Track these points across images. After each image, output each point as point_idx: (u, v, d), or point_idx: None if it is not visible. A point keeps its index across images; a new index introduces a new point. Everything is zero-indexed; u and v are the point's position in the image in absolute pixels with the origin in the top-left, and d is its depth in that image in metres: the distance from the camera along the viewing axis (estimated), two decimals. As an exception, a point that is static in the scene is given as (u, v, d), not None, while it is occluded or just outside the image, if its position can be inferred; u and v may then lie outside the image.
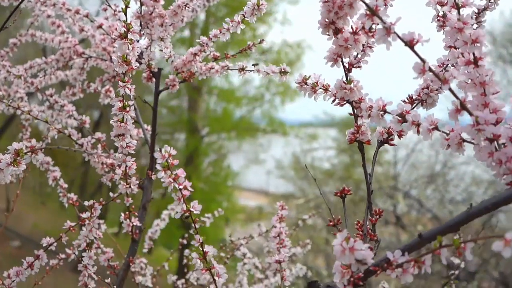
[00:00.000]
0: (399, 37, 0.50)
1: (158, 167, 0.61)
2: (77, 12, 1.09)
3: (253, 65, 0.97)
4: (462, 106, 0.51)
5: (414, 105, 0.68)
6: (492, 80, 0.53)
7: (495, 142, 0.51)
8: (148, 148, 1.04)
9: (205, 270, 0.64)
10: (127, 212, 0.95)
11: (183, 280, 1.40)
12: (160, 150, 0.60)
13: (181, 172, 0.62)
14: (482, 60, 0.53)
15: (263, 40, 0.99)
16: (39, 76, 1.21)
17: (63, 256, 1.12)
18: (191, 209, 0.63)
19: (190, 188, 0.62)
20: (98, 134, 1.05)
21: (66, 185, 1.09)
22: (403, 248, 0.52)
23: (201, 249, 0.64)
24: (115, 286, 0.93)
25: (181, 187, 0.62)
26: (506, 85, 8.91)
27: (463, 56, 0.55)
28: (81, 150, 1.01)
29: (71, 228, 0.92)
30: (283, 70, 0.83)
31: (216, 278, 0.64)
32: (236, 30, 0.87)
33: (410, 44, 0.50)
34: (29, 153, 0.65)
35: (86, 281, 0.94)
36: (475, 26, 0.72)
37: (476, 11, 0.72)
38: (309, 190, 8.63)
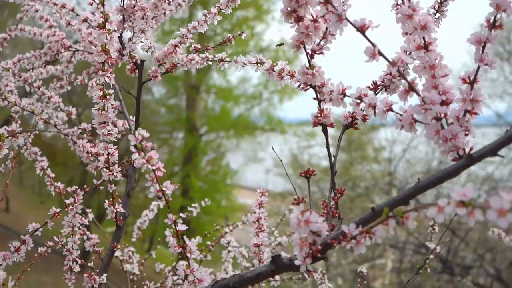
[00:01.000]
0: (350, 23, 0.53)
1: (132, 148, 0.64)
2: (63, 6, 1.13)
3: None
4: (410, 87, 0.55)
5: (378, 90, 0.71)
6: (441, 63, 0.57)
7: (442, 121, 0.55)
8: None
9: (177, 247, 0.67)
10: (111, 199, 0.99)
11: (169, 268, 1.44)
12: (134, 133, 0.63)
13: (154, 154, 0.66)
14: (432, 44, 0.57)
15: (242, 32, 1.02)
16: (29, 70, 1.24)
17: (51, 243, 1.16)
18: (164, 189, 0.66)
19: (162, 169, 0.66)
20: (84, 125, 1.09)
21: (53, 174, 1.13)
22: (356, 222, 0.55)
23: (174, 227, 0.68)
24: (98, 270, 0.96)
25: (154, 168, 0.65)
26: (503, 82, 8.92)
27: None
28: (68, 139, 1.04)
29: (56, 214, 0.95)
30: (259, 61, 0.87)
31: (188, 255, 0.67)
32: (213, 21, 0.91)
33: (361, 29, 0.54)
34: (10, 137, 0.68)
35: (71, 265, 0.97)
36: (437, 15, 0.75)
37: (439, 0, 0.75)
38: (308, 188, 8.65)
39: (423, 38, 0.56)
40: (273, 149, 1.00)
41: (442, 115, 0.54)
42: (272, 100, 11.95)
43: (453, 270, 5.81)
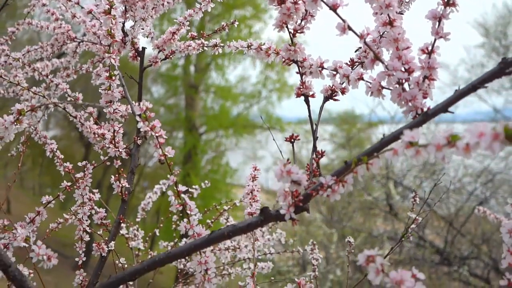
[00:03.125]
0: (324, 2, 0.63)
1: (137, 118, 0.73)
2: (69, 0, 1.22)
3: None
4: (376, 57, 0.64)
5: (354, 66, 0.80)
6: (404, 37, 0.66)
7: (404, 86, 0.64)
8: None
9: (179, 205, 0.76)
10: (116, 175, 1.08)
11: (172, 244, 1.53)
12: (139, 104, 0.72)
13: (157, 123, 0.75)
14: (396, 21, 0.66)
15: (235, 21, 1.11)
16: (37, 61, 1.33)
17: (61, 220, 1.25)
18: (166, 153, 0.75)
19: (164, 136, 0.75)
20: (90, 109, 1.17)
21: (62, 156, 1.21)
22: (332, 174, 0.64)
23: (175, 188, 0.77)
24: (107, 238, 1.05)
25: (157, 134, 0.74)
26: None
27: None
28: (76, 121, 1.13)
29: (67, 188, 1.04)
30: (249, 45, 0.95)
31: (189, 212, 0.76)
32: (207, 8, 1.00)
33: (333, 7, 0.63)
34: (29, 112, 0.77)
35: (81, 235, 1.06)
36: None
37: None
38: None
39: (388, 15, 0.65)
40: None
41: (404, 80, 0.63)
42: (270, 98, 12.04)
43: (450, 261, 5.91)
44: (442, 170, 6.88)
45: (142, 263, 0.70)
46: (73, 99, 1.20)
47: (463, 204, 6.77)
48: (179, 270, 1.45)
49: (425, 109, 0.62)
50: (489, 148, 0.41)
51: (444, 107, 0.59)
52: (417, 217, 1.22)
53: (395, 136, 0.62)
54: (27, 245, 0.75)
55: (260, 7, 11.17)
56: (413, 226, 1.22)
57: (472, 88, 0.58)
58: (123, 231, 1.40)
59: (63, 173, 1.19)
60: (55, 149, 1.24)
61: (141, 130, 0.73)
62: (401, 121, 7.88)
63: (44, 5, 1.31)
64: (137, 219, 1.52)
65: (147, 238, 1.48)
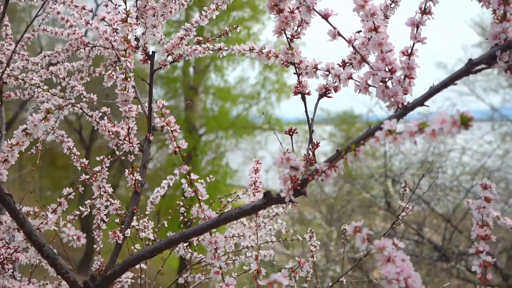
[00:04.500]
0: (317, 12, 0.72)
1: (154, 114, 0.83)
2: (83, 8, 1.31)
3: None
4: (362, 59, 0.74)
5: (345, 66, 0.90)
6: (387, 41, 0.76)
7: (388, 83, 0.73)
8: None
9: (192, 192, 0.86)
10: (130, 169, 1.17)
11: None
12: (156, 101, 0.82)
13: (172, 119, 0.84)
14: (380, 27, 0.76)
15: (237, 26, 1.21)
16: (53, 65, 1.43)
17: (77, 212, 1.34)
18: (180, 145, 0.85)
19: (178, 130, 0.85)
20: (104, 108, 1.27)
21: (78, 153, 1.31)
22: (325, 161, 0.74)
23: (188, 177, 0.87)
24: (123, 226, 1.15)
25: (172, 129, 0.84)
26: (497, 75, 9.11)
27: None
28: (92, 120, 1.23)
29: (86, 180, 1.14)
30: (251, 48, 1.05)
31: (200, 197, 0.86)
32: (212, 15, 1.10)
33: (325, 16, 0.73)
34: (57, 110, 0.86)
35: (99, 223, 1.16)
36: (392, 5, 0.94)
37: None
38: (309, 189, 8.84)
39: (373, 22, 0.75)
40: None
41: (387, 78, 0.73)
42: (269, 99, 12.14)
43: (448, 257, 6.00)
44: (439, 168, 6.98)
45: (160, 241, 0.80)
46: (88, 100, 1.30)
47: (461, 202, 6.86)
48: (187, 260, 1.55)
49: (405, 104, 0.72)
50: (449, 132, 0.51)
51: (420, 102, 0.69)
52: (407, 206, 1.32)
53: (378, 127, 0.71)
54: (57, 228, 0.85)
55: (258, 9, 11.27)
56: (403, 214, 1.32)
57: (444, 85, 0.68)
58: (134, 223, 1.50)
59: (79, 168, 1.29)
60: (71, 147, 1.34)
61: (158, 125, 0.83)
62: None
63: (58, 12, 1.41)
64: (146, 212, 1.62)
65: (156, 229, 1.58)
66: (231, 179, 11.78)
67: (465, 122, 0.50)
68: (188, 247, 1.63)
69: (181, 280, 1.63)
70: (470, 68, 0.66)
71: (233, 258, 1.48)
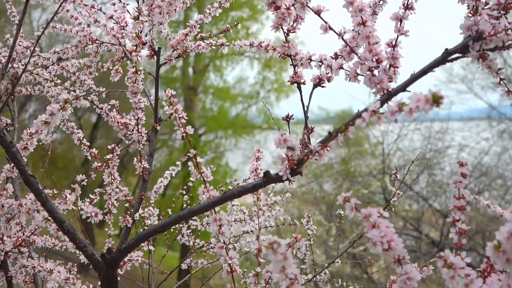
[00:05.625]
0: (310, 8, 0.81)
1: (163, 102, 0.91)
2: (92, 6, 1.40)
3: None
4: (351, 50, 0.82)
5: (338, 58, 0.98)
6: (374, 34, 0.84)
7: (374, 72, 0.82)
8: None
9: (198, 174, 0.94)
10: (139, 157, 1.26)
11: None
12: (165, 91, 0.90)
13: (179, 107, 0.93)
14: (367, 22, 0.84)
15: (238, 23, 1.29)
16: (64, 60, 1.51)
17: (88, 200, 1.42)
18: (187, 131, 0.93)
19: (185, 117, 0.93)
20: (113, 101, 1.35)
21: (88, 143, 1.39)
22: (319, 142, 0.82)
23: (195, 160, 0.95)
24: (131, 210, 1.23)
25: (180, 116, 0.92)
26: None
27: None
28: (102, 112, 1.31)
29: (98, 168, 1.22)
30: (251, 43, 1.13)
31: (205, 179, 0.94)
32: (216, 13, 1.18)
33: (318, 12, 0.81)
34: (74, 100, 0.94)
35: (110, 208, 1.24)
36: (381, 2, 1.02)
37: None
38: (307, 184, 8.94)
39: (361, 17, 0.83)
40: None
41: (374, 68, 0.81)
42: (269, 98, 12.22)
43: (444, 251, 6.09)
44: (436, 165, 7.08)
45: (170, 217, 0.88)
46: (97, 93, 1.38)
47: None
48: (190, 246, 1.63)
49: (390, 90, 0.81)
50: (423, 109, 0.59)
51: (402, 88, 0.77)
52: (397, 192, 1.40)
53: (365, 110, 0.80)
54: (75, 208, 0.93)
55: (257, 9, 11.35)
56: (394, 199, 1.40)
57: (423, 72, 0.76)
58: (139, 211, 1.58)
59: (90, 158, 1.37)
60: (81, 138, 1.42)
61: (167, 112, 0.91)
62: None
63: (68, 11, 1.49)
64: (151, 201, 1.70)
65: (161, 217, 1.66)
66: (231, 179, 11.83)
67: (436, 100, 0.58)
68: (191, 234, 1.72)
69: (184, 266, 1.72)
70: (446, 57, 0.74)
71: (234, 243, 1.56)
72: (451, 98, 8.99)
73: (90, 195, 1.42)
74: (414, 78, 0.76)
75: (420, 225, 6.99)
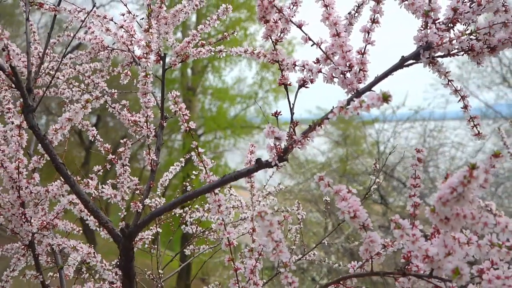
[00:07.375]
0: (292, 22, 0.98)
1: (169, 102, 1.08)
2: (104, 17, 1.57)
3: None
4: (327, 57, 0.99)
5: (319, 63, 1.15)
6: (347, 43, 1.01)
7: (346, 75, 0.99)
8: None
9: (199, 162, 1.11)
10: (147, 150, 1.43)
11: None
12: (171, 92, 1.07)
13: (183, 105, 1.10)
14: (341, 33, 1.01)
15: (234, 31, 1.47)
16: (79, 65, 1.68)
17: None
18: (190, 126, 1.10)
19: (188, 114, 1.10)
20: (124, 101, 1.52)
21: (102, 139, 1.56)
22: (301, 133, 0.99)
23: (197, 150, 1.12)
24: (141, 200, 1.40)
25: (183, 113, 1.09)
26: (491, 72, 9.39)
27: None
28: (114, 110, 1.48)
29: (112, 160, 1.39)
30: (246, 50, 1.30)
31: (205, 166, 1.11)
32: (215, 24, 1.35)
33: (299, 26, 0.98)
34: (94, 100, 1.11)
35: (123, 195, 1.41)
36: (356, 14, 1.19)
37: (357, 4, 1.19)
38: (306, 184, 9.10)
39: (336, 29, 1.00)
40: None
41: (346, 71, 0.98)
42: (267, 99, 12.39)
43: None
44: (431, 162, 7.25)
45: (177, 197, 1.05)
46: (110, 94, 1.55)
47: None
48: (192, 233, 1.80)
49: (359, 90, 0.98)
50: (377, 105, 0.76)
51: (368, 88, 0.94)
52: (378, 180, 1.57)
53: (351, 98, 0.97)
54: (96, 192, 1.10)
55: (254, 10, 11.52)
56: (374, 186, 1.57)
57: (385, 75, 0.93)
58: (146, 201, 1.75)
59: (103, 152, 1.54)
60: (95, 134, 1.58)
61: (172, 110, 1.08)
62: (390, 119, 8.26)
63: (82, 21, 1.66)
64: (157, 193, 1.88)
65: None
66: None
67: (385, 98, 0.75)
68: (194, 223, 1.88)
69: (186, 252, 1.89)
70: (403, 62, 0.92)
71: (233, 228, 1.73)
72: (447, 97, 9.16)
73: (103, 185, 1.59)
74: (377, 80, 0.93)
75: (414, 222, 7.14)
